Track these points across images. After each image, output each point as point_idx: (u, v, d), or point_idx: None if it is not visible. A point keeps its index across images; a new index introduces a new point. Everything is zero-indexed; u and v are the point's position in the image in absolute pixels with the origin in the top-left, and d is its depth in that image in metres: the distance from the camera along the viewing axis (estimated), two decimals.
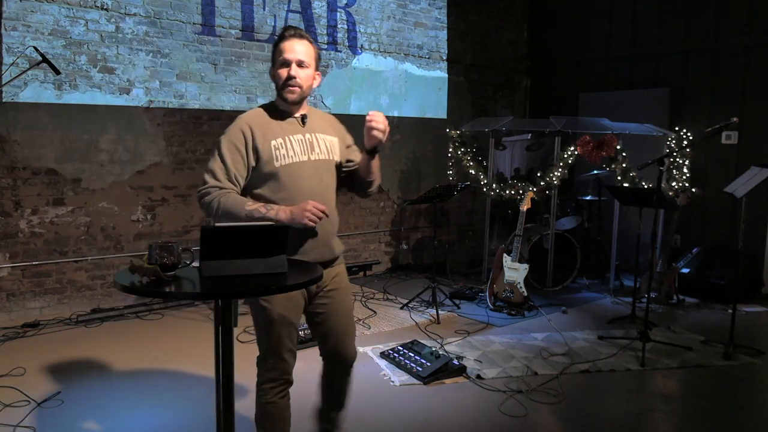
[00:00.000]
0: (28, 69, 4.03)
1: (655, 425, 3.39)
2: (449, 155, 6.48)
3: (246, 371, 3.83)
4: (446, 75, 7.24)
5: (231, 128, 2.35)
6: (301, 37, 2.35)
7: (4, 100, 4.52)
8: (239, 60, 5.60)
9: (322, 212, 2.27)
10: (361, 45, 6.46)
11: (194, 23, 5.33)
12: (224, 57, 5.51)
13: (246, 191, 2.36)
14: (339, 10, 6.25)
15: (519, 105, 8.08)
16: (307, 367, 4.04)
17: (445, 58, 7.20)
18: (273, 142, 2.33)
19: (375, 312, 5.24)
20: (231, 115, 5.95)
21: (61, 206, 4.84)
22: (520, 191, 5.84)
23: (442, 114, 7.23)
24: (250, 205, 2.25)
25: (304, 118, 2.43)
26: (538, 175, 5.92)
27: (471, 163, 6.27)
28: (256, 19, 5.69)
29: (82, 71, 4.83)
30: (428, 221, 7.15)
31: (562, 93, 7.58)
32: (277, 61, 2.36)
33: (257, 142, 2.31)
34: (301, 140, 2.39)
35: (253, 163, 2.32)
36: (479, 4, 7.49)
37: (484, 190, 6.21)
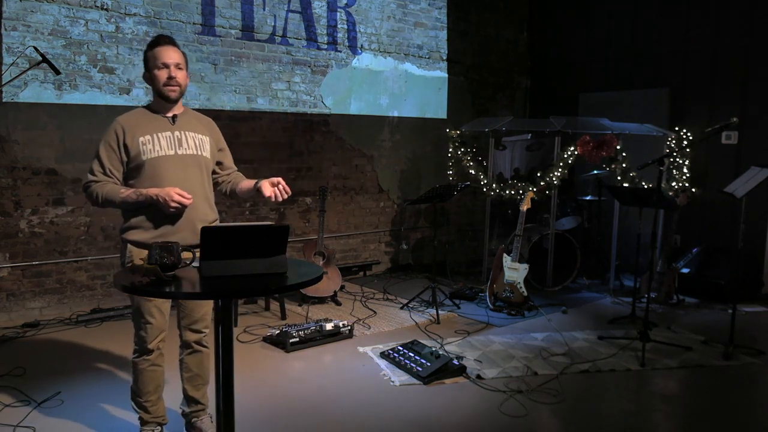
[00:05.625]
0: (28, 69, 4.03)
1: (655, 425, 3.39)
2: (449, 155, 6.48)
3: (246, 371, 3.83)
4: (446, 75, 7.24)
5: (108, 130, 2.71)
6: (174, 44, 2.72)
7: (4, 100, 4.52)
8: (239, 60, 5.60)
9: (184, 201, 2.57)
10: (361, 45, 6.46)
11: (194, 23, 5.32)
12: (224, 57, 5.51)
13: (124, 182, 2.71)
14: (339, 10, 6.25)
15: (519, 105, 8.08)
16: (308, 367, 4.05)
17: (445, 58, 7.20)
18: (141, 139, 2.66)
19: (375, 312, 5.24)
20: (231, 115, 5.90)
21: (61, 206, 4.84)
22: (520, 191, 5.84)
23: (442, 114, 7.23)
24: (123, 192, 2.62)
25: (174, 117, 2.75)
26: (538, 175, 5.92)
27: (471, 163, 6.28)
28: (256, 19, 5.69)
29: (82, 71, 4.83)
30: (428, 221, 7.15)
31: (562, 93, 7.58)
32: (155, 65, 2.67)
33: (127, 140, 2.66)
34: (169, 137, 2.70)
35: (125, 157, 2.67)
36: (479, 4, 7.49)
37: (484, 190, 6.21)
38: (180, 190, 2.57)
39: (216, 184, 2.93)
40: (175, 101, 2.73)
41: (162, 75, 2.66)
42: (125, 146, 2.66)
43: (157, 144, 2.67)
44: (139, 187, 2.64)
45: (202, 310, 2.91)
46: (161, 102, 2.73)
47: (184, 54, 2.75)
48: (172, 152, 2.69)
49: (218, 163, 2.92)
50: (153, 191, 2.58)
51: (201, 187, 2.77)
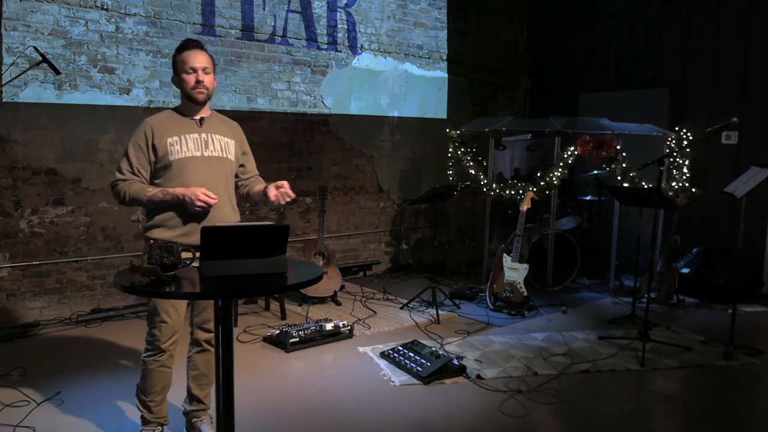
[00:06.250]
0: (28, 69, 4.03)
1: (655, 425, 3.39)
2: (449, 155, 6.48)
3: (246, 371, 3.83)
4: (446, 75, 7.24)
5: (137, 130, 2.76)
6: (202, 48, 2.78)
7: (4, 100, 4.52)
8: (239, 60, 5.60)
9: (210, 201, 2.62)
10: (361, 45, 6.46)
11: (194, 23, 5.32)
12: (224, 57, 5.51)
13: (151, 182, 2.76)
14: (339, 10, 6.25)
15: (519, 105, 8.08)
16: (308, 367, 4.05)
17: (445, 58, 7.20)
18: (169, 140, 2.73)
19: (375, 312, 5.24)
20: (231, 115, 5.95)
21: (61, 206, 4.84)
22: (520, 191, 5.84)
23: (442, 114, 7.23)
24: (150, 191, 2.68)
25: (201, 120, 2.82)
26: (538, 175, 5.92)
27: (471, 163, 6.28)
28: (256, 19, 5.69)
29: (82, 71, 4.83)
30: (428, 221, 7.15)
31: (562, 93, 7.58)
32: (183, 69, 2.74)
33: (155, 141, 2.72)
34: (196, 138, 2.77)
35: (152, 157, 2.73)
36: (479, 4, 7.49)
37: (484, 190, 6.21)
38: (206, 190, 2.63)
39: (236, 187, 2.98)
40: (202, 104, 2.80)
41: (190, 79, 2.73)
42: (153, 147, 2.72)
43: (185, 145, 2.74)
44: (166, 186, 2.70)
45: None
46: (189, 105, 2.80)
47: (211, 57, 2.81)
48: (198, 154, 2.75)
49: (241, 166, 2.98)
50: (179, 191, 2.64)
51: (225, 188, 2.82)
